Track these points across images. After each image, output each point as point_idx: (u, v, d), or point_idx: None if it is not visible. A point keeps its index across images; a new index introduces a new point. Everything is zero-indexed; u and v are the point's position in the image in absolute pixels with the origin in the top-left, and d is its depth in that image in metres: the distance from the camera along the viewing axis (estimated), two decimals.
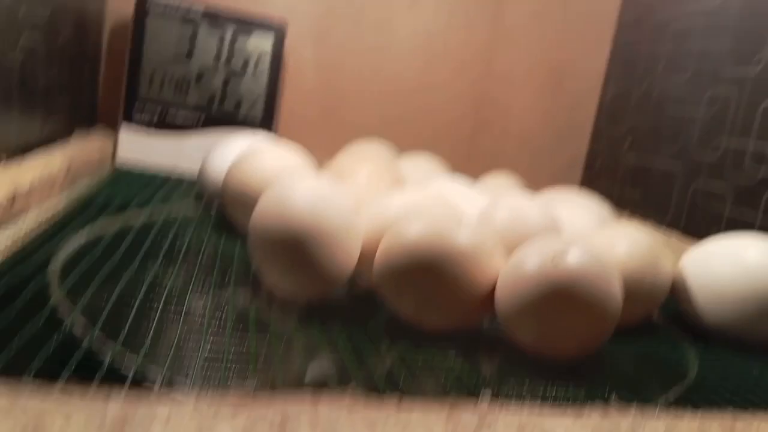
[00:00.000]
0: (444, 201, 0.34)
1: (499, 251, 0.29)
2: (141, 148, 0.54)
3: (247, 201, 0.36)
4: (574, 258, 0.26)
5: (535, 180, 0.70)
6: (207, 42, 0.53)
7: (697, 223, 0.50)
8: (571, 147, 0.69)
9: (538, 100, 0.68)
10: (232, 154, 0.41)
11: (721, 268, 0.31)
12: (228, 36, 0.53)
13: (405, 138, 0.64)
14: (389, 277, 0.28)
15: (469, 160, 0.67)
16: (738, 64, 0.46)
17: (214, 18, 0.53)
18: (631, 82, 0.62)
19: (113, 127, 0.56)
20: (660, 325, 0.35)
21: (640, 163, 0.59)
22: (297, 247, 0.28)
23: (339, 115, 0.63)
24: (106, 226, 0.36)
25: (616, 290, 0.26)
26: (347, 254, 0.30)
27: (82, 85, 0.53)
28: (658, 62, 0.57)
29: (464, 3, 0.64)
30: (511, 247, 0.32)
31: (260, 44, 0.54)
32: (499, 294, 0.27)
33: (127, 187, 0.47)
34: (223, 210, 0.40)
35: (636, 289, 0.31)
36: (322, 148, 0.61)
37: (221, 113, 0.55)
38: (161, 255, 0.33)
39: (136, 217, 0.39)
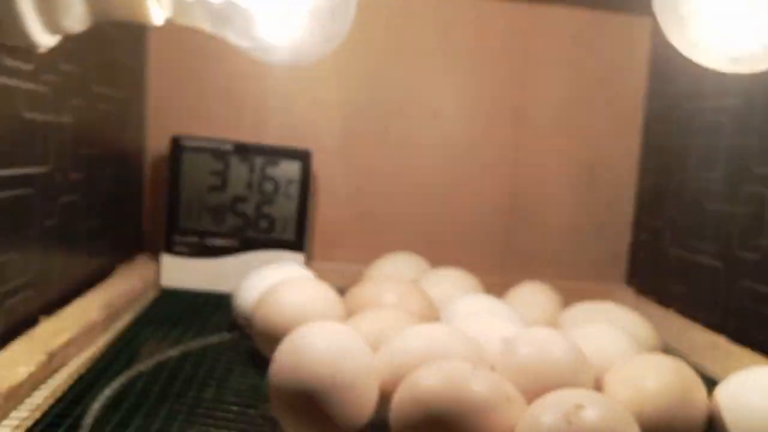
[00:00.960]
0: (463, 338, 0.34)
1: (517, 400, 0.28)
2: (182, 274, 0.56)
3: (272, 338, 0.37)
4: (590, 415, 0.24)
5: (579, 274, 0.68)
6: (238, 173, 0.56)
7: (746, 325, 0.47)
8: (613, 239, 0.68)
9: (572, 194, 0.67)
10: (261, 285, 0.43)
11: (760, 404, 0.29)
12: (258, 166, 0.56)
13: (439, 242, 0.65)
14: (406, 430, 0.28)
15: (507, 258, 0.67)
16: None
17: (244, 151, 0.56)
18: (665, 174, 0.61)
19: (156, 252, 0.59)
20: None
21: (683, 258, 0.56)
22: (313, 400, 0.29)
23: (371, 227, 0.65)
24: (142, 365, 0.37)
25: None
26: (363, 402, 0.30)
27: (124, 221, 0.57)
28: (689, 156, 0.56)
29: (485, 107, 0.66)
30: (534, 387, 0.31)
31: (288, 171, 0.57)
32: None
33: (167, 312, 0.49)
34: (254, 341, 0.41)
35: (667, 428, 0.30)
36: (357, 259, 0.62)
37: (255, 236, 0.57)
38: (188, 400, 0.33)
39: (172, 351, 0.40)
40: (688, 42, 0.30)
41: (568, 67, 0.66)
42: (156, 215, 0.61)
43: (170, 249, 0.56)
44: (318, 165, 0.62)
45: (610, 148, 0.67)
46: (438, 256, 0.58)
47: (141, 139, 0.61)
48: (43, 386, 0.34)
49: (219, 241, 0.56)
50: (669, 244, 0.59)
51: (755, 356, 0.44)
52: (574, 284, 0.65)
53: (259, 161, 0.56)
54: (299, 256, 0.57)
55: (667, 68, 0.62)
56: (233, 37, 0.34)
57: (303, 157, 0.57)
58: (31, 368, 0.33)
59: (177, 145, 0.56)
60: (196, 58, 0.61)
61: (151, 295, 0.54)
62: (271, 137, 0.60)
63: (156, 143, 0.61)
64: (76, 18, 0.31)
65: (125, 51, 0.55)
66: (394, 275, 0.51)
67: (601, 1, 0.64)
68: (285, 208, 0.57)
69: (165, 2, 0.32)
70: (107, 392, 0.34)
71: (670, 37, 0.31)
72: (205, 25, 0.33)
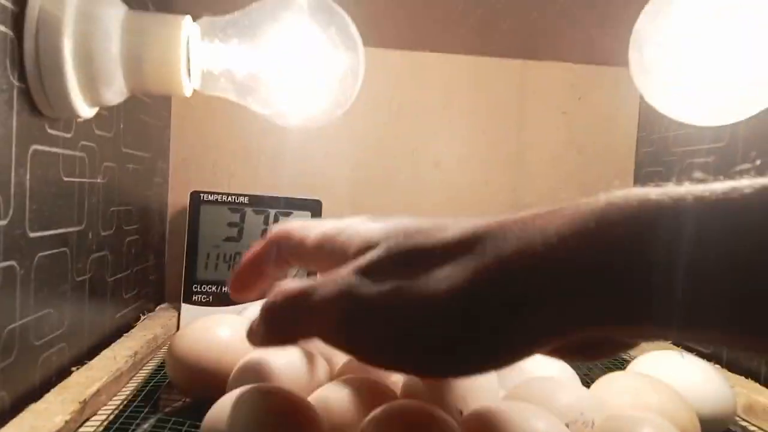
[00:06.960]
0: None
1: None
2: None
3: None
4: None
5: None
6: (253, 224, 0.59)
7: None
8: None
9: None
10: None
11: None
12: (271, 217, 0.59)
13: None
14: None
15: None
16: None
17: (258, 203, 0.60)
18: None
19: (177, 302, 0.61)
20: None
21: None
22: None
23: None
24: (169, 408, 0.39)
25: None
26: None
27: (147, 272, 0.60)
28: None
29: (485, 155, 0.69)
30: None
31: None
32: None
33: None
34: None
35: None
36: None
37: None
38: None
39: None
40: (666, 104, 0.33)
41: (562, 116, 0.70)
42: (176, 265, 0.64)
43: (189, 300, 0.58)
44: (329, 213, 0.65)
45: (605, 188, 0.70)
46: None
47: (163, 195, 0.65)
48: None
49: None
50: None
51: None
52: None
53: (272, 212, 0.60)
54: None
55: (654, 116, 0.66)
56: (254, 105, 0.37)
57: (313, 207, 0.60)
58: (66, 417, 0.35)
59: (196, 200, 0.59)
60: (215, 118, 0.66)
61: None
62: (285, 189, 0.64)
63: (177, 199, 0.65)
64: (116, 92, 0.35)
65: (151, 113, 0.59)
66: None
67: (592, 56, 0.68)
68: None
69: (195, 76, 0.36)
70: None
71: (650, 100, 0.34)
72: (230, 95, 0.37)
